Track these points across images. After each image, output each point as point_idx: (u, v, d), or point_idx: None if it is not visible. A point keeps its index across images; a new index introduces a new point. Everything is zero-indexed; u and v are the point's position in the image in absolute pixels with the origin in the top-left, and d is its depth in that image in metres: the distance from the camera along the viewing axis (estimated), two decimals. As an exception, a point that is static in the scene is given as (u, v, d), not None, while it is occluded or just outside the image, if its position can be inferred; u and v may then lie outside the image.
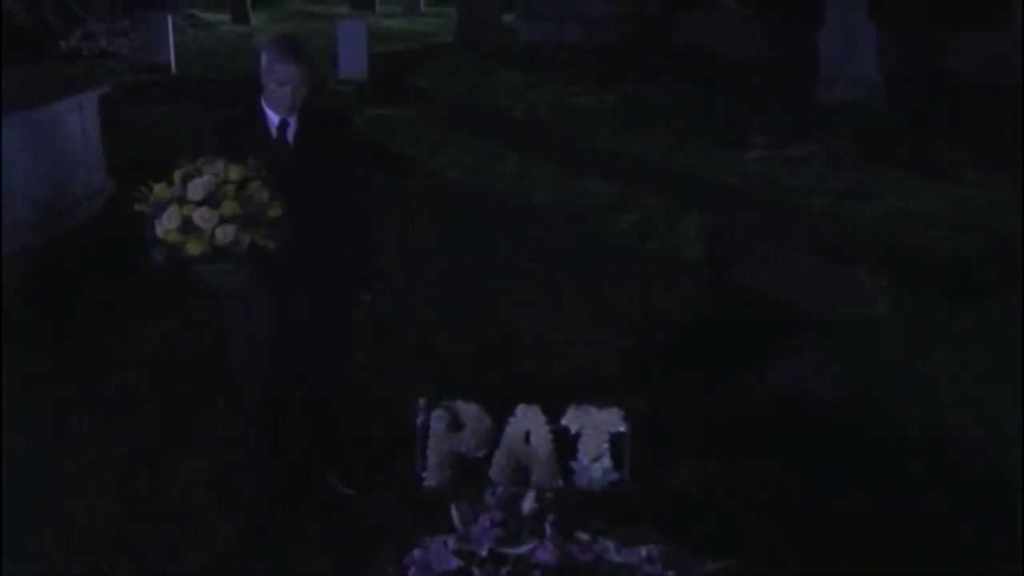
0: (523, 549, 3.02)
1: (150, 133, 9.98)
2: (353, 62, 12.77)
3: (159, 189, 3.37)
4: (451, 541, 3.09)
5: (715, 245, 6.88)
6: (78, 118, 7.37)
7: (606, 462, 4.40)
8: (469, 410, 4.55)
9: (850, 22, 10.75)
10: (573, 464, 4.42)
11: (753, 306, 6.01)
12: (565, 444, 4.44)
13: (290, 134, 3.79)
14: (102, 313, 5.93)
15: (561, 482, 4.32)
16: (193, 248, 3.28)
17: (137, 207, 3.41)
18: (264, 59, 3.72)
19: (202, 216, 3.28)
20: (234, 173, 3.41)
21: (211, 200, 3.30)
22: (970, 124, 9.38)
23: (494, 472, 4.37)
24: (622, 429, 4.42)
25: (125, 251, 6.65)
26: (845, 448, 4.62)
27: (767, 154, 9.24)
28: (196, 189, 3.33)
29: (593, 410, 4.48)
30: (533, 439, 4.43)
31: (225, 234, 3.28)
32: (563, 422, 4.49)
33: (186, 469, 4.47)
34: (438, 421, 4.45)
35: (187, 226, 3.29)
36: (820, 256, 6.74)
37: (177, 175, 3.41)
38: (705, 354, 5.48)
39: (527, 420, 4.46)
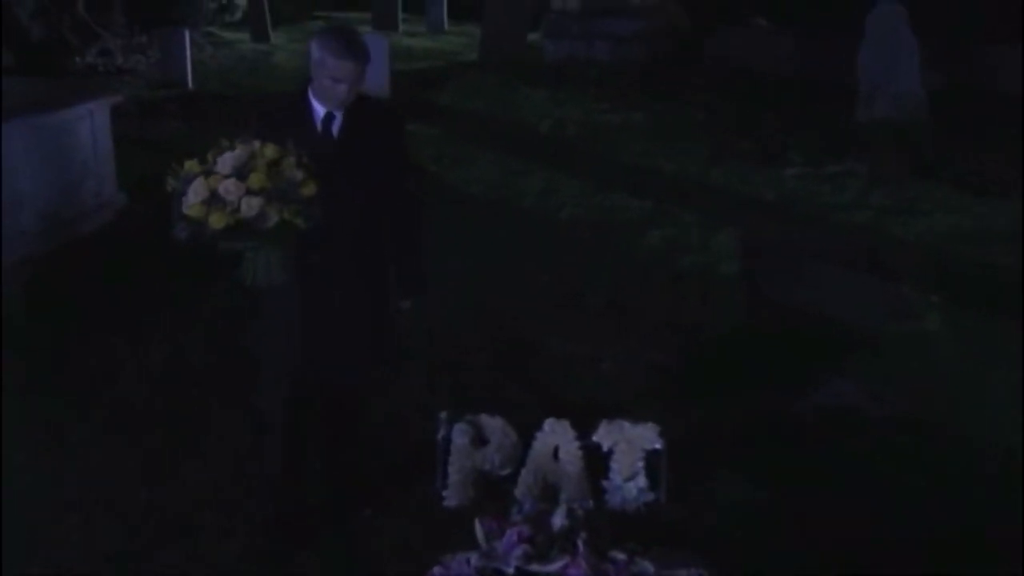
0: (554, 567, 2.82)
1: (165, 149, 9.88)
2: (374, 78, 12.63)
3: (190, 164, 3.28)
4: (474, 558, 2.90)
5: (752, 260, 6.75)
6: (88, 126, 7.28)
7: (641, 481, 4.19)
8: (494, 424, 4.36)
9: (892, 36, 10.51)
10: (605, 483, 4.22)
11: (793, 322, 5.88)
12: (596, 462, 4.25)
13: (335, 127, 3.66)
14: (107, 323, 5.80)
15: (592, 502, 4.12)
16: (216, 221, 3.15)
17: (168, 184, 3.31)
18: (316, 51, 3.55)
19: (227, 188, 3.15)
20: (269, 151, 3.29)
21: (240, 173, 3.17)
22: (1018, 140, 9.14)
23: (520, 491, 4.17)
24: (658, 446, 4.22)
25: (133, 263, 6.70)
26: (895, 469, 4.42)
27: (805, 171, 9.04)
28: (226, 162, 3.22)
29: (627, 425, 4.29)
30: (562, 455, 4.24)
31: (250, 207, 3.14)
32: (594, 438, 4.29)
33: (191, 483, 4.31)
34: (461, 435, 4.27)
35: (213, 199, 3.16)
36: (864, 272, 6.59)
37: (211, 153, 3.31)
38: (744, 371, 5.32)
39: (556, 435, 4.27)
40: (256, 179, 3.16)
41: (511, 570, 2.82)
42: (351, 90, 3.56)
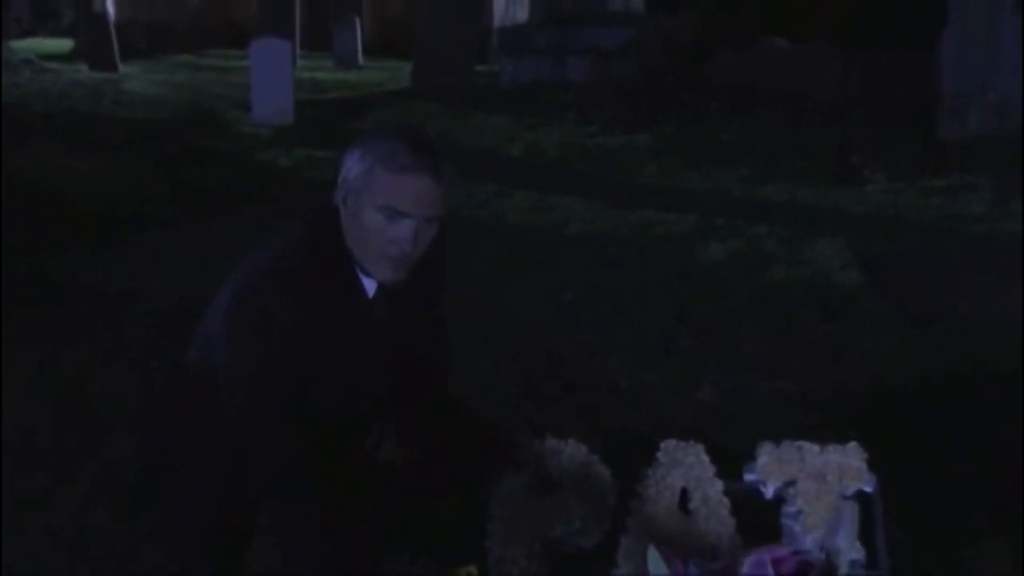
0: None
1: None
2: (273, 98, 11.46)
3: None
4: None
5: (883, 273, 6.08)
6: None
7: (853, 550, 2.86)
8: (569, 455, 3.01)
9: (989, 27, 9.99)
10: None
11: (973, 346, 4.82)
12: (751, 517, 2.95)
13: (382, 304, 2.59)
14: None
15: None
16: None
17: None
18: (357, 163, 2.38)
19: None
20: None
21: None
22: None
23: (622, 572, 2.80)
24: (868, 489, 2.93)
25: None
26: None
27: (896, 186, 8.54)
28: None
29: (811, 449, 2.98)
30: (696, 505, 2.90)
31: None
32: (747, 476, 2.98)
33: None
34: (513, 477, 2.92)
35: None
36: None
37: None
38: (925, 402, 4.22)
39: (682, 470, 2.94)
40: None
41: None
42: (420, 237, 2.41)
